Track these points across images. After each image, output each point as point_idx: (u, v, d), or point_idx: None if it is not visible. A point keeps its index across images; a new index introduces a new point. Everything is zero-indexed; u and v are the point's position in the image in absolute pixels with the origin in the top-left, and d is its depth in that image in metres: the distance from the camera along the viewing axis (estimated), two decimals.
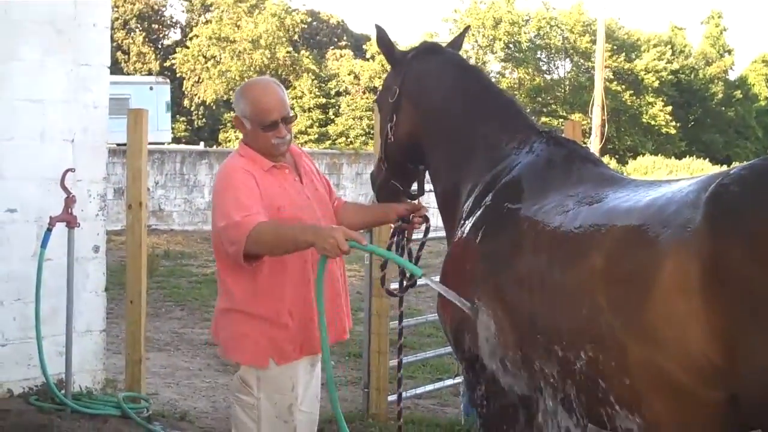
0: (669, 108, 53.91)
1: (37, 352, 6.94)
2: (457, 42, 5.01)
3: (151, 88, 31.11)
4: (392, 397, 7.78)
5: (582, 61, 54.97)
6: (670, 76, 55.34)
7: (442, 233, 4.68)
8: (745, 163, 3.48)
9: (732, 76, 61.87)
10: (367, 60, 48.18)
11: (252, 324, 4.33)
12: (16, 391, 7.26)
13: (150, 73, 45.41)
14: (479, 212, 4.16)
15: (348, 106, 46.85)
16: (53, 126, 7.48)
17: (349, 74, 47.78)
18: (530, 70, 54.17)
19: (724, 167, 5.43)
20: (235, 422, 4.51)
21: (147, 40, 51.46)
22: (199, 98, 46.47)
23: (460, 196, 4.43)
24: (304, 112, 46.55)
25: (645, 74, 53.89)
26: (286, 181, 4.44)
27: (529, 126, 4.45)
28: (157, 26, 53.42)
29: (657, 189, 3.61)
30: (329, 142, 44.07)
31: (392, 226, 4.92)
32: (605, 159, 36.60)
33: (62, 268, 7.09)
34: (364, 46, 50.06)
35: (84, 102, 7.68)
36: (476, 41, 52.85)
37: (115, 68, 37.55)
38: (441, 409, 8.23)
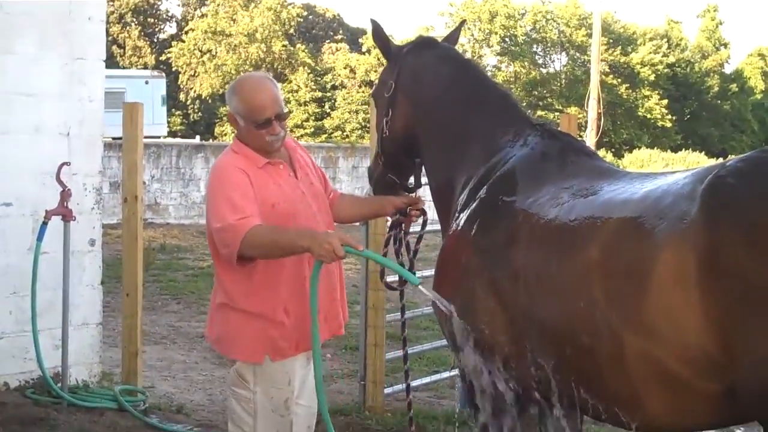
0: (665, 101, 53.92)
1: (34, 346, 6.95)
2: (453, 36, 5.01)
3: (146, 82, 31.08)
4: (388, 390, 7.81)
5: (578, 54, 54.97)
6: (666, 70, 55.34)
7: (440, 226, 4.68)
8: (741, 155, 3.49)
9: (728, 69, 61.88)
10: (363, 54, 48.17)
11: (247, 320, 4.32)
12: (13, 384, 7.28)
13: (145, 67, 45.39)
14: (474, 205, 4.16)
15: (344, 99, 46.85)
16: (48, 120, 7.48)
17: (344, 68, 47.77)
18: (526, 63, 54.14)
19: (720, 160, 5.44)
20: (231, 416, 4.50)
21: (142, 34, 51.44)
22: (194, 92, 46.48)
23: (455, 189, 4.43)
24: (300, 105, 46.53)
25: (641, 68, 53.89)
26: (281, 177, 4.41)
27: (523, 119, 4.46)
28: (152, 20, 53.37)
29: (652, 181, 3.62)
30: (325, 135, 44.10)
31: (389, 219, 4.92)
32: (601, 152, 36.62)
33: (58, 262, 7.10)
34: (360, 40, 50.05)
35: (79, 95, 7.67)
36: (472, 35, 52.82)
37: (111, 62, 37.53)
38: (437, 401, 8.25)
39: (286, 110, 4.46)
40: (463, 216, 4.18)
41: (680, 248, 3.23)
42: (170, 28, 54.41)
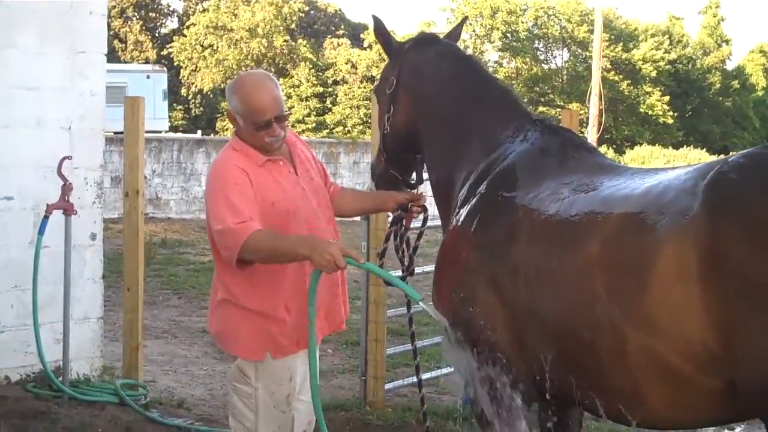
0: (666, 98, 53.85)
1: (35, 339, 6.96)
2: (455, 33, 5.01)
3: (148, 77, 31.02)
4: (389, 385, 7.82)
5: (579, 50, 54.89)
6: (667, 66, 55.26)
7: (440, 222, 4.67)
8: (743, 151, 3.49)
9: (730, 66, 61.76)
10: (365, 49, 48.13)
11: (248, 317, 4.31)
12: (14, 378, 7.29)
13: (147, 61, 45.35)
14: (473, 200, 4.16)
15: (345, 95, 46.79)
16: (50, 113, 7.48)
17: (346, 63, 47.72)
18: (528, 59, 54.08)
19: (722, 157, 5.42)
20: (232, 411, 4.49)
21: (144, 28, 51.40)
22: (196, 87, 46.44)
23: (455, 185, 4.43)
24: (302, 101, 46.50)
25: (642, 64, 53.82)
26: (281, 174, 4.39)
27: (523, 115, 4.46)
28: (154, 15, 53.32)
29: (653, 177, 3.62)
30: (326, 131, 44.05)
31: (390, 214, 4.92)
32: (602, 149, 36.61)
33: (59, 256, 7.10)
34: (361, 35, 49.99)
35: (81, 90, 7.68)
36: (474, 31, 52.77)
37: (112, 57, 37.54)
38: (438, 397, 8.25)
39: (286, 111, 4.40)
40: (463, 211, 4.18)
41: (682, 243, 3.24)
42: (172, 23, 54.38)
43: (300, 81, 46.96)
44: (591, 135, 31.17)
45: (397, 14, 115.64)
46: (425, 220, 4.88)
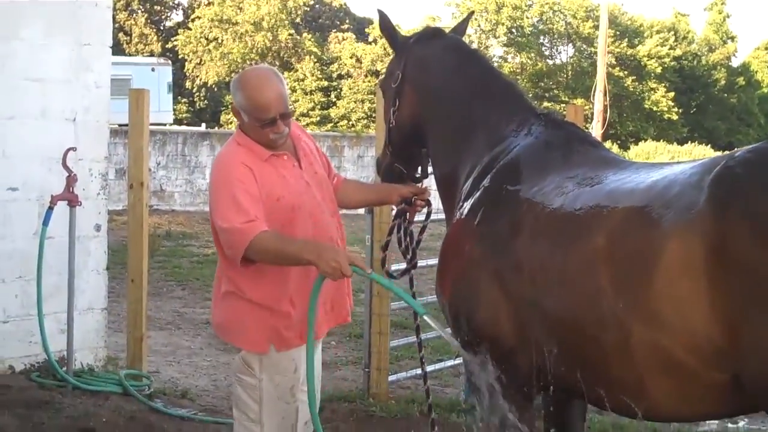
0: (671, 94, 53.70)
1: (39, 330, 6.98)
2: (461, 27, 5.00)
3: (152, 69, 31.00)
4: (392, 377, 7.84)
5: (584, 46, 54.75)
6: (672, 63, 55.12)
7: (444, 216, 4.67)
8: (749, 146, 3.48)
9: (735, 62, 61.58)
10: (370, 43, 48.03)
11: (252, 310, 4.31)
12: (18, 367, 7.32)
13: (152, 54, 45.30)
14: (477, 194, 4.16)
15: (350, 89, 46.72)
16: (55, 105, 7.51)
17: (351, 57, 47.63)
18: (533, 55, 53.95)
19: (727, 153, 5.41)
20: (236, 402, 4.49)
21: (149, 21, 51.33)
22: (200, 80, 46.39)
23: (459, 178, 4.43)
24: (306, 94, 46.44)
25: (647, 60, 53.69)
26: (285, 169, 4.37)
27: (528, 109, 4.46)
28: (159, 8, 53.26)
29: (658, 171, 3.62)
30: (331, 124, 44.01)
31: (394, 208, 4.93)
32: (607, 144, 36.49)
33: (64, 247, 7.13)
34: (366, 30, 49.86)
35: (85, 81, 7.70)
36: (479, 26, 52.63)
37: (117, 49, 37.44)
38: (441, 389, 8.27)
39: (291, 109, 4.39)
40: (467, 205, 4.18)
41: (687, 238, 3.24)
42: (177, 16, 54.28)
43: (304, 75, 46.89)
44: (595, 130, 31.10)
45: (402, 9, 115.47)
46: (429, 214, 4.88)
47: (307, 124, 42.64)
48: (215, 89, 46.80)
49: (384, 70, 5.06)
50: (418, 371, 7.95)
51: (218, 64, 45.58)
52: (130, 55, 44.70)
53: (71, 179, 7.08)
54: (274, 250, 4.12)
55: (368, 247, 7.69)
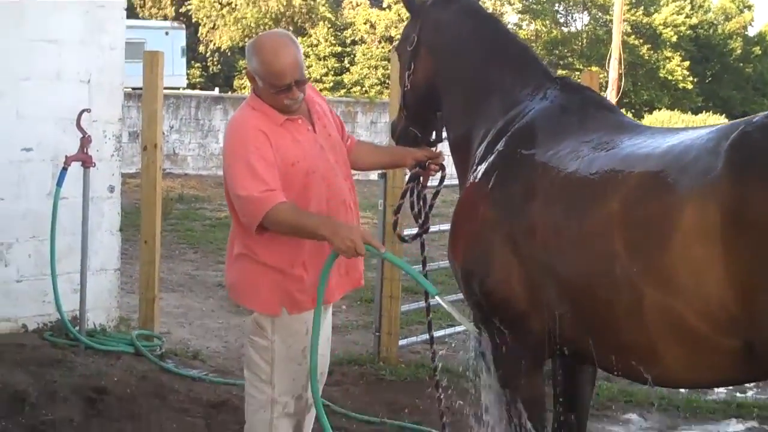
0: (686, 63, 53.41)
1: (52, 289, 7.01)
2: None
3: (166, 33, 30.99)
4: (403, 342, 7.87)
5: (600, 14, 54.43)
6: (688, 31, 54.77)
7: (457, 181, 4.66)
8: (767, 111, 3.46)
9: (751, 32, 61.18)
10: (384, 9, 47.81)
11: (265, 272, 4.31)
12: (31, 326, 7.36)
13: (165, 18, 45.20)
14: (491, 158, 4.14)
15: (363, 55, 46.56)
16: (69, 66, 7.50)
17: (365, 23, 47.43)
18: (547, 22, 53.68)
19: (745, 118, 5.30)
20: (247, 363, 4.51)
21: None
22: (214, 45, 46.29)
23: (473, 142, 4.42)
24: (320, 60, 46.32)
25: (663, 28, 53.35)
26: (300, 133, 4.35)
27: (543, 72, 4.44)
28: None
29: (675, 136, 3.60)
30: (344, 90, 43.90)
31: (407, 172, 4.92)
32: None
33: (78, 207, 7.15)
34: None
35: (100, 43, 7.69)
36: None
37: (131, 13, 37.39)
38: (451, 354, 8.29)
39: (306, 75, 4.35)
40: (481, 168, 4.16)
41: (704, 203, 3.22)
42: None
43: (318, 40, 46.73)
44: (610, 99, 30.95)
45: None
46: (442, 179, 4.87)
47: (321, 90, 42.35)
48: (229, 54, 46.71)
49: (398, 36, 5.04)
50: (427, 335, 8.01)
51: (232, 29, 45.45)
52: (144, 19, 44.61)
53: (85, 140, 7.08)
54: (290, 222, 4.12)
55: (381, 211, 7.70)
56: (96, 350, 7.05)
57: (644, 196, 3.42)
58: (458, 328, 8.26)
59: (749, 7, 61.63)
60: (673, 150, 3.46)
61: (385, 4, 47.76)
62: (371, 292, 8.62)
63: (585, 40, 54.40)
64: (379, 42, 46.53)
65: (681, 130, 3.72)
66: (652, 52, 53.00)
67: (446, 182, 4.92)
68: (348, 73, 46.64)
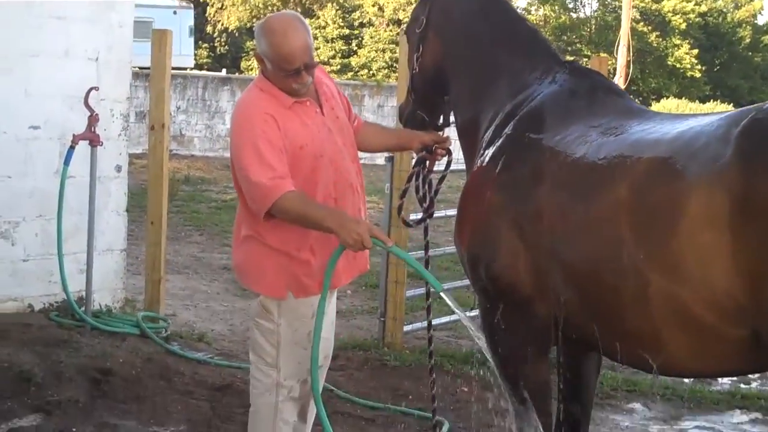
0: (695, 51, 53.20)
1: (59, 269, 7.02)
2: None
3: (174, 13, 30.87)
4: (408, 327, 7.86)
5: (609, 0, 54.28)
6: (697, 19, 54.55)
7: (464, 166, 4.64)
8: None
9: (760, 21, 60.95)
10: None
11: (271, 255, 4.29)
12: (37, 306, 7.36)
13: None
14: (499, 141, 4.12)
15: (371, 38, 46.41)
16: (78, 44, 7.48)
17: (373, 6, 47.26)
18: (556, 7, 53.49)
19: (755, 105, 5.27)
20: (253, 345, 4.50)
21: None
22: (222, 25, 46.18)
23: (481, 125, 4.39)
24: (327, 42, 46.18)
25: (672, 16, 53.13)
26: (308, 116, 4.32)
27: (552, 56, 4.42)
28: None
29: (684, 122, 3.57)
30: (351, 73, 43.78)
31: (414, 156, 4.91)
32: None
33: (84, 186, 7.14)
34: None
35: (109, 21, 7.67)
36: None
37: None
38: (456, 341, 8.29)
39: (315, 59, 4.31)
40: (488, 152, 4.14)
41: (712, 190, 3.20)
42: None
43: (326, 22, 46.59)
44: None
45: None
46: (449, 164, 4.84)
47: (328, 73, 42.37)
48: (236, 35, 46.59)
49: (407, 19, 5.00)
50: (433, 322, 8.00)
51: (240, 9, 45.32)
52: None
53: (93, 119, 7.07)
54: (298, 212, 4.10)
55: (387, 195, 7.68)
56: (102, 331, 7.05)
57: (652, 182, 3.40)
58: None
59: None
60: (683, 136, 3.43)
61: None
62: (376, 277, 8.60)
63: (593, 27, 54.22)
64: (388, 25, 46.38)
65: (690, 116, 3.70)
66: (660, 39, 52.81)
67: (452, 167, 4.89)
68: (355, 55, 46.51)
